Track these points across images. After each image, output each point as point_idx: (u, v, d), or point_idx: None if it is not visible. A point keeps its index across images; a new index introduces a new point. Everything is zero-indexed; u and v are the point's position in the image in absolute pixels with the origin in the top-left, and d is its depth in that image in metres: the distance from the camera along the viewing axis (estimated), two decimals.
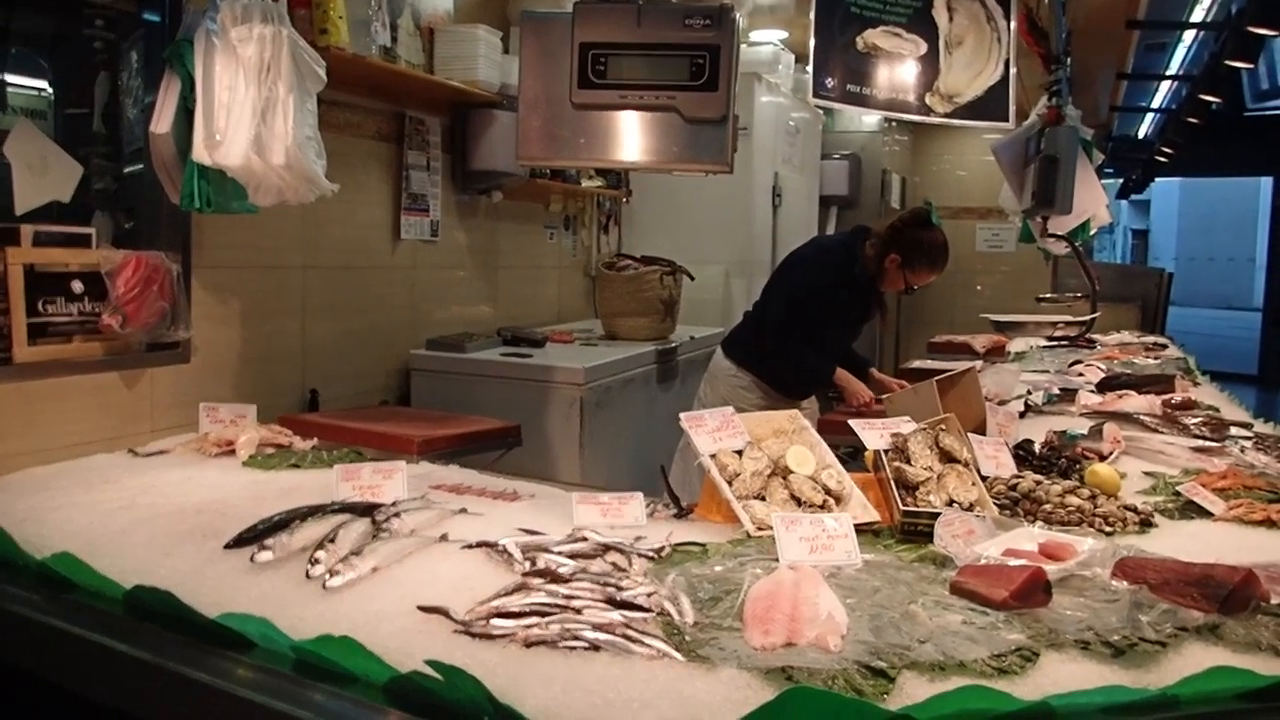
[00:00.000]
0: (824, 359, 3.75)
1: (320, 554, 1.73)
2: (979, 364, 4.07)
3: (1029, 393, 3.69)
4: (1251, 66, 6.16)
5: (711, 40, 2.17)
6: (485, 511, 2.14)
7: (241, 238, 3.21)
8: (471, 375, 4.03)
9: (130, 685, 1.59)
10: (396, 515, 1.95)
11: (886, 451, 2.17)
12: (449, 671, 1.31)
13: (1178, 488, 2.31)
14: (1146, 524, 2.09)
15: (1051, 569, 1.64)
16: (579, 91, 2.21)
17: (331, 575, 1.66)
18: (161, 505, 2.14)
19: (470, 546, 1.84)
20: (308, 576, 1.69)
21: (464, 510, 2.12)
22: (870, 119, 7.62)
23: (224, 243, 3.14)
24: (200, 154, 2.53)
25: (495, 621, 1.48)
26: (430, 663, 1.33)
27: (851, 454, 2.48)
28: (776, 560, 1.75)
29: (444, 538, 1.91)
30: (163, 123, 2.62)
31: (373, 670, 1.39)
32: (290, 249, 3.52)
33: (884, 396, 3.58)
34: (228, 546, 1.84)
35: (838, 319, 3.84)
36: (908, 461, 2.15)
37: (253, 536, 1.84)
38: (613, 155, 2.27)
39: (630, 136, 2.23)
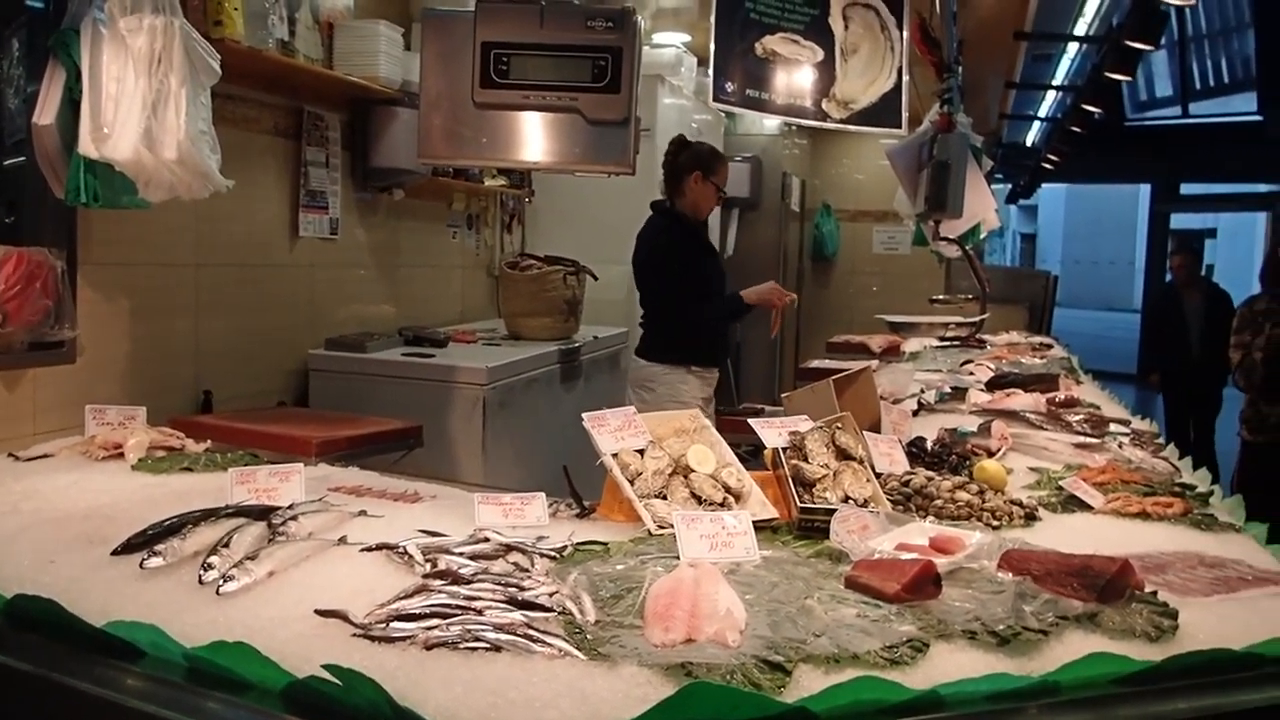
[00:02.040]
0: (722, 304, 4.29)
1: (213, 559, 1.68)
2: (875, 364, 4.16)
3: (922, 391, 3.79)
4: (1130, 79, 6.43)
5: (614, 42, 2.18)
6: (385, 513, 2.11)
7: (131, 234, 3.10)
8: (372, 375, 3.97)
9: (13, 698, 1.52)
10: (294, 518, 1.91)
11: (785, 449, 2.21)
12: (348, 675, 1.29)
13: (1060, 482, 2.39)
14: (1031, 518, 2.16)
15: (941, 562, 1.69)
16: (481, 91, 2.20)
17: (225, 581, 1.62)
18: (45, 511, 2.07)
19: (370, 549, 1.82)
20: (200, 582, 1.64)
21: (364, 512, 2.09)
22: (771, 122, 7.70)
23: (112, 239, 3.03)
24: (87, 147, 2.44)
25: (395, 624, 1.46)
26: (328, 667, 1.31)
27: (751, 452, 2.52)
28: (677, 558, 1.77)
29: (343, 540, 1.88)
30: (47, 114, 2.53)
31: (269, 676, 1.37)
32: (183, 246, 3.42)
33: (783, 395, 3.66)
34: (115, 553, 1.78)
35: (702, 273, 4.22)
36: (805, 459, 2.19)
37: (142, 542, 1.78)
38: (515, 155, 2.27)
39: (533, 137, 2.23)
